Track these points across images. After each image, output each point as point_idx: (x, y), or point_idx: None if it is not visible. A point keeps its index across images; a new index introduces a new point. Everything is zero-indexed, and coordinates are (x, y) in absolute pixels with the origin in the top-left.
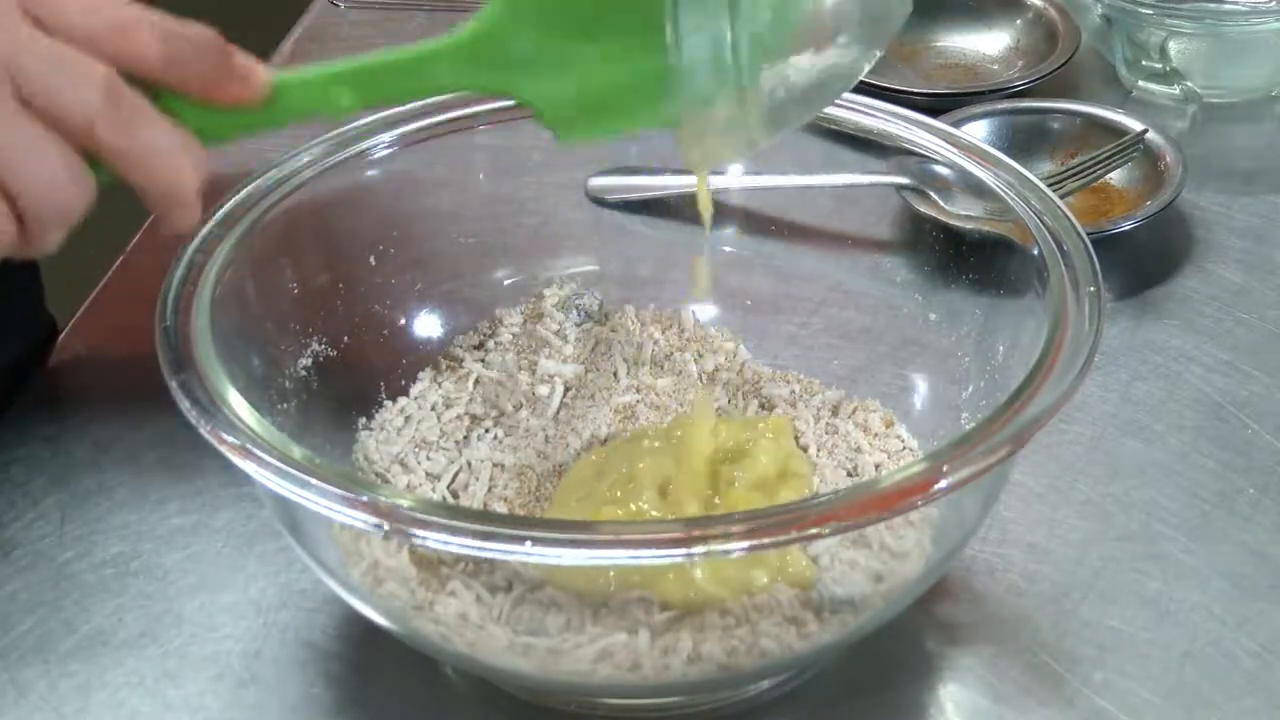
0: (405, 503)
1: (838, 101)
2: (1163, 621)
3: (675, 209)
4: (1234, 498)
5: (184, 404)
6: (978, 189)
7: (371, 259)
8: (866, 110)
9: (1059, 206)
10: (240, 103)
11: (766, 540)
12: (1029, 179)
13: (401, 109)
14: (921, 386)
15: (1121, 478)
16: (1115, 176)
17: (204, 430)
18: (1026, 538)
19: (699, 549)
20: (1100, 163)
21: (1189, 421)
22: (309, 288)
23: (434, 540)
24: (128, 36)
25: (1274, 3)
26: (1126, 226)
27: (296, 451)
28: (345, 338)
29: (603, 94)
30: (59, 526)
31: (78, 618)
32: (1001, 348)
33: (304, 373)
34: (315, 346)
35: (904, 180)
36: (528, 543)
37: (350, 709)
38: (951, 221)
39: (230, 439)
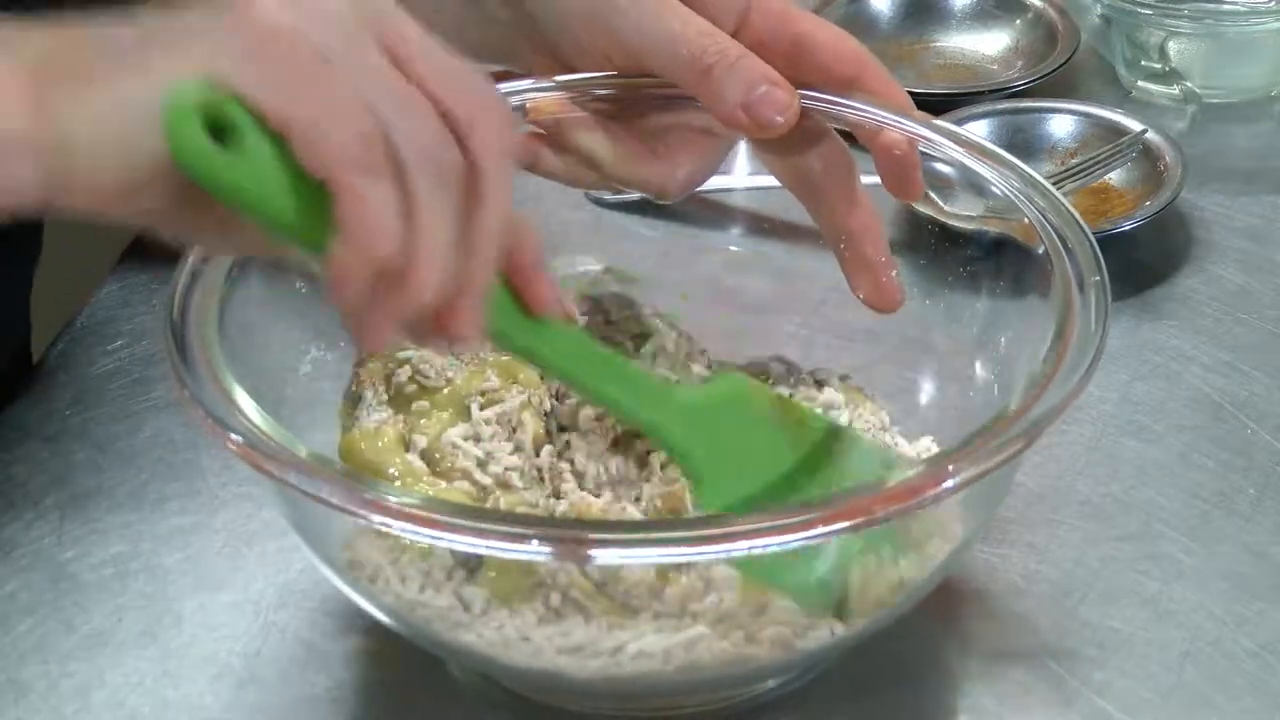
0: (413, 500)
1: (840, 101)
2: (1163, 621)
3: (675, 209)
4: (1234, 498)
5: (192, 406)
6: (980, 187)
7: None
8: (868, 109)
9: (1062, 203)
10: (538, 307)
11: (771, 540)
12: (1033, 176)
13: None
14: (922, 387)
15: (1121, 478)
16: (1115, 176)
17: (214, 432)
18: (1026, 538)
19: (700, 550)
20: (1100, 163)
21: (1189, 421)
22: (314, 287)
23: (444, 540)
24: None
25: (1274, 3)
26: (1126, 226)
27: (303, 450)
28: (343, 341)
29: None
30: (59, 526)
31: (78, 618)
32: (1004, 347)
33: (309, 368)
34: (315, 349)
35: None
36: (533, 541)
37: (350, 709)
38: (951, 221)
39: (240, 439)
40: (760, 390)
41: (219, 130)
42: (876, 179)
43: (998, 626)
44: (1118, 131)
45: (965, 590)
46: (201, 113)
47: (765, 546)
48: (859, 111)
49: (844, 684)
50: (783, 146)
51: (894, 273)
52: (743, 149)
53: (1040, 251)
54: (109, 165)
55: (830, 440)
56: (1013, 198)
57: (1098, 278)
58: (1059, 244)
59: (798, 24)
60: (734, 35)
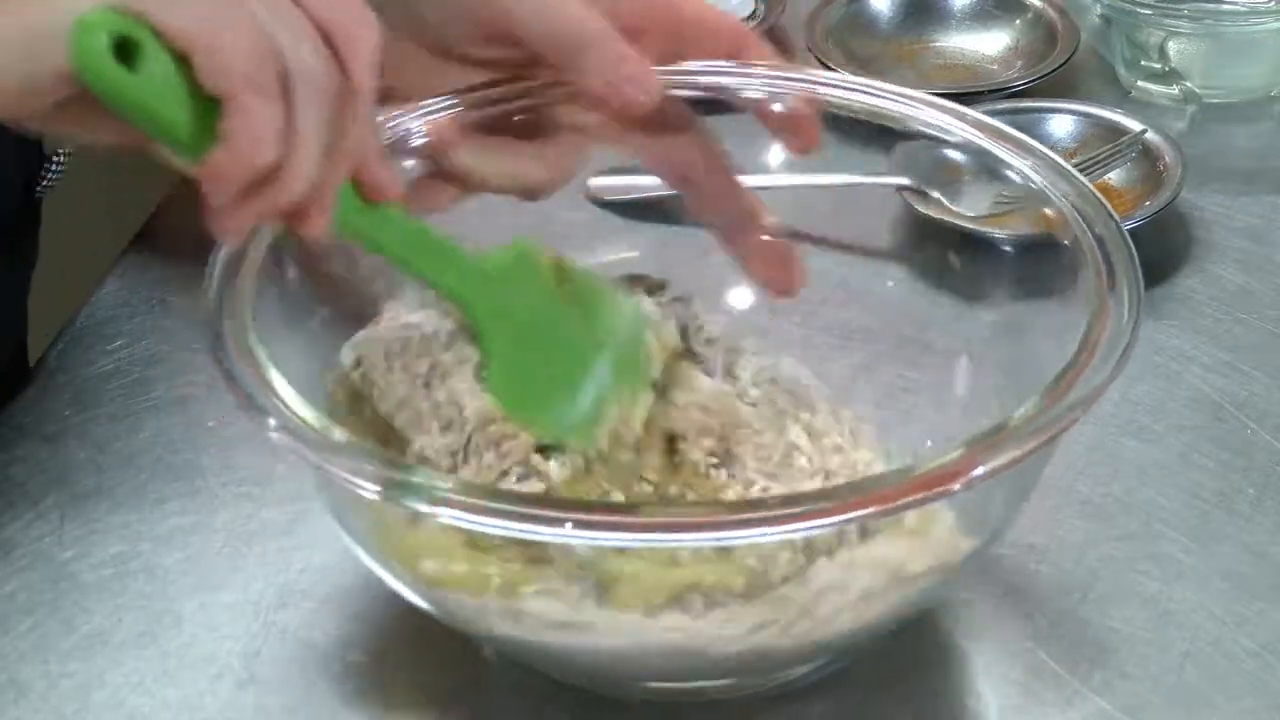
0: (445, 484)
1: (852, 85)
2: (1163, 621)
3: (675, 209)
4: (1234, 498)
5: (239, 396)
6: (995, 172)
7: (364, 263)
8: (881, 92)
9: (1087, 187)
10: (378, 195)
11: (799, 526)
12: (1058, 162)
13: (401, 111)
14: (922, 386)
15: (1121, 478)
16: (1115, 176)
17: (266, 423)
18: (1026, 538)
19: (727, 534)
20: (1100, 163)
21: (1189, 421)
22: (328, 288)
23: (481, 523)
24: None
25: (1273, 3)
26: (1126, 226)
27: (338, 435)
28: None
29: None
30: (59, 526)
31: (77, 618)
32: (1005, 346)
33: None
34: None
35: (905, 181)
36: (568, 524)
37: (351, 708)
38: (952, 220)
39: (284, 425)
40: (540, 253)
41: (122, 50)
42: (877, 180)
43: (998, 627)
44: (1118, 131)
45: (965, 590)
46: (108, 34)
47: (792, 531)
48: (881, 95)
49: (844, 686)
50: (650, 135)
51: (793, 253)
52: (773, 150)
53: (1054, 248)
54: (9, 76)
55: (599, 297)
56: (1038, 185)
57: (1125, 251)
58: (1090, 234)
59: (673, 3)
60: (608, 16)
